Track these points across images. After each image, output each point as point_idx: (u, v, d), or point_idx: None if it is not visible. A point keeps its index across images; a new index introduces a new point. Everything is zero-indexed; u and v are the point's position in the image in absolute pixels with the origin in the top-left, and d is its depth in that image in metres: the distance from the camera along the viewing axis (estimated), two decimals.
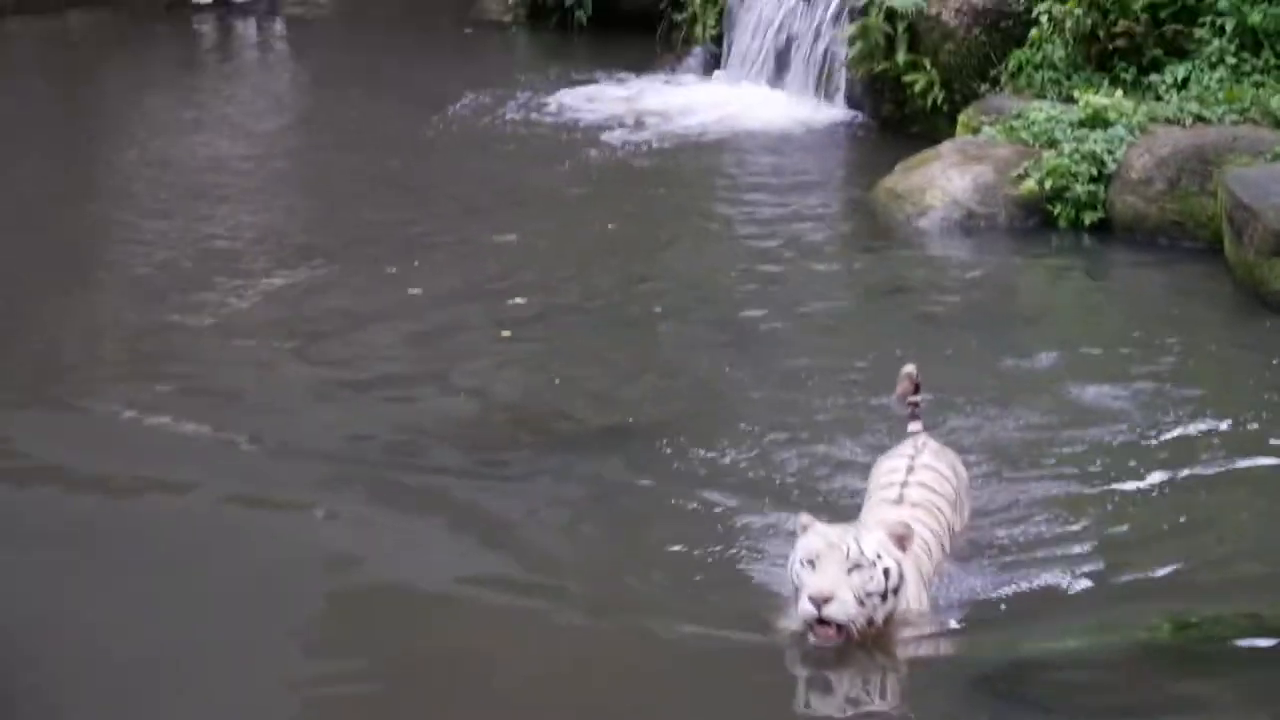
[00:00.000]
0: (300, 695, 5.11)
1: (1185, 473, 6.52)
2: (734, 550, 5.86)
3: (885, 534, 4.96)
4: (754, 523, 6.05)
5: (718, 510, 6.20)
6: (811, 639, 4.86)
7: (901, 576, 4.92)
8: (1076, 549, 5.86)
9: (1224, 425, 6.95)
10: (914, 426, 6.08)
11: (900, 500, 5.52)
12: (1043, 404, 7.19)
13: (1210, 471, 6.54)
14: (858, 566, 4.82)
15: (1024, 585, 5.59)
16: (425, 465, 6.67)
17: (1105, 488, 6.38)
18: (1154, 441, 6.81)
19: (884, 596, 4.86)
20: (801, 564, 4.87)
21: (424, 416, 7.15)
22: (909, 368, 6.11)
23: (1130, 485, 6.40)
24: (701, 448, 6.74)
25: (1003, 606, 5.46)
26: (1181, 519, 6.16)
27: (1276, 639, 5.20)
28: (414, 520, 6.22)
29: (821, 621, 4.78)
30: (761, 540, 5.89)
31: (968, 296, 8.93)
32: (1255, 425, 6.96)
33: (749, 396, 7.37)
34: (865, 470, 6.19)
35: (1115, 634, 5.29)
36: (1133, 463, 6.60)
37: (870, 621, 4.88)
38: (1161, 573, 5.77)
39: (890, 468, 5.77)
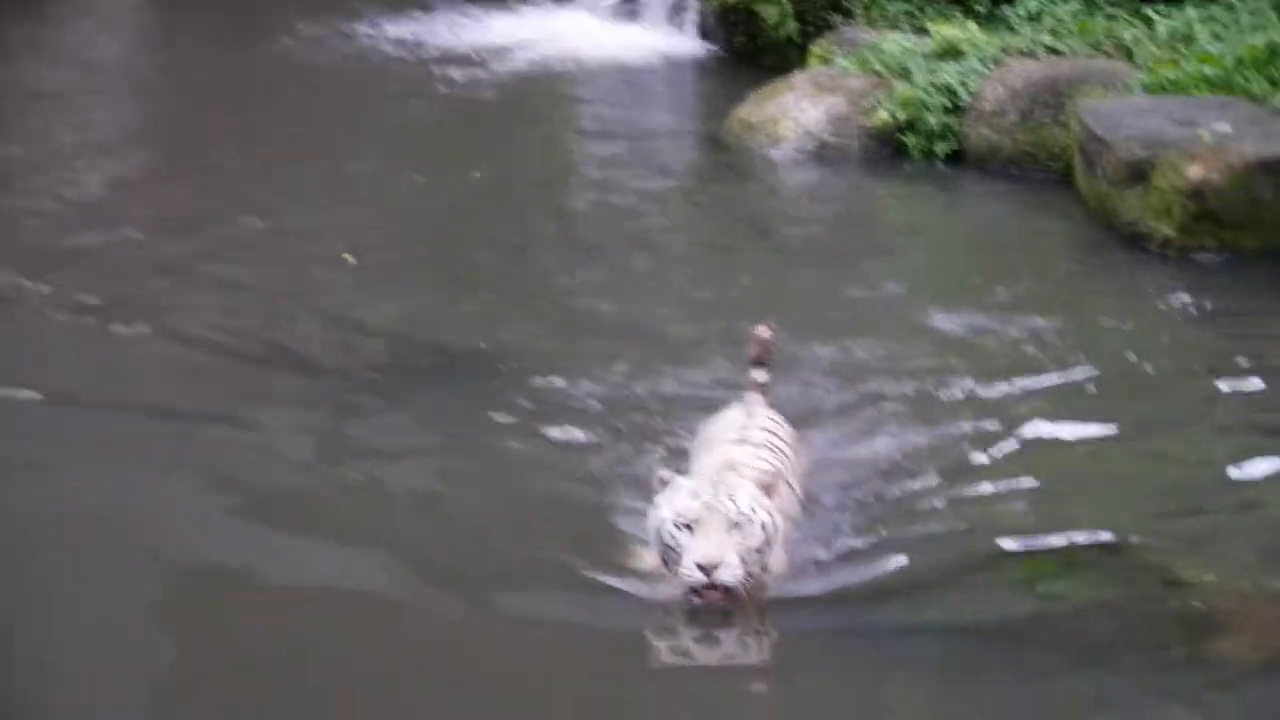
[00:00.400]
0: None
1: (1039, 408, 6.36)
2: (579, 497, 5.56)
3: (754, 486, 4.74)
4: (599, 466, 5.78)
5: (560, 452, 5.90)
6: (695, 602, 4.64)
7: (776, 527, 4.74)
8: (932, 499, 5.65)
9: (1077, 358, 6.83)
10: (760, 376, 5.84)
11: (742, 440, 5.30)
12: (893, 334, 7.04)
13: (1066, 408, 6.40)
14: (737, 525, 4.62)
15: (883, 534, 5.36)
16: (232, 411, 6.18)
17: (959, 426, 6.20)
18: (1006, 377, 6.64)
19: (760, 550, 4.68)
20: (676, 526, 4.63)
21: (251, 349, 6.80)
22: (762, 331, 5.84)
23: (985, 424, 6.20)
24: (542, 377, 6.46)
25: (865, 558, 5.19)
26: (1036, 458, 5.98)
27: (1136, 591, 5.09)
28: (214, 474, 5.65)
29: (710, 586, 4.59)
30: (608, 486, 5.60)
31: (820, 226, 8.77)
32: (1108, 356, 6.85)
33: (595, 327, 7.13)
34: (714, 405, 5.96)
35: (974, 590, 5.10)
36: (986, 396, 6.46)
37: (750, 576, 4.69)
38: (1015, 517, 5.56)
39: (726, 418, 5.56)
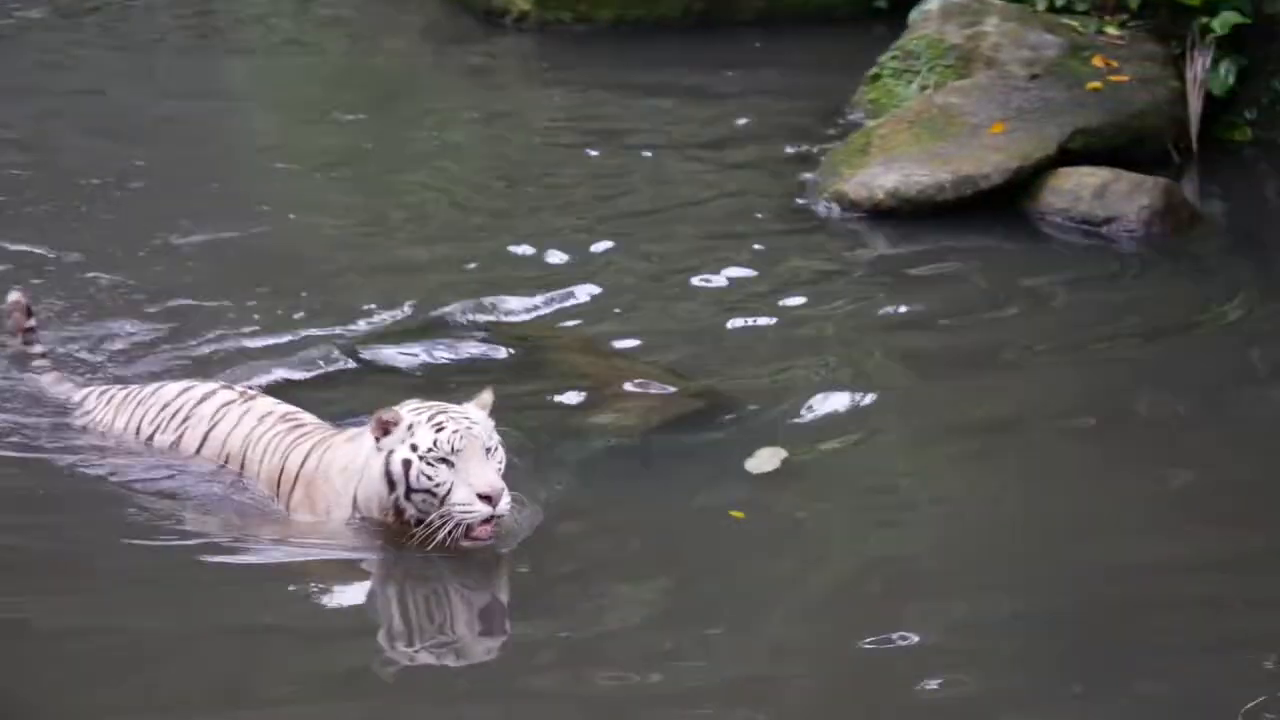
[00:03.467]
0: None
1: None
2: None
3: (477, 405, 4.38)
4: None
5: None
6: (464, 545, 4.20)
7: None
8: None
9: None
10: (39, 349, 5.28)
11: (247, 396, 4.82)
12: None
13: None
14: (489, 450, 4.27)
15: None
16: None
17: None
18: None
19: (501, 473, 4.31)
20: (431, 463, 4.22)
21: None
22: (15, 295, 5.33)
23: None
24: None
25: None
26: None
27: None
28: None
29: (485, 520, 4.18)
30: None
31: None
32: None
33: None
34: None
35: None
36: None
37: None
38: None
39: (215, 402, 4.79)
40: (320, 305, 5.92)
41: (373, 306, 5.91)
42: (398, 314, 5.88)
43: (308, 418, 4.67)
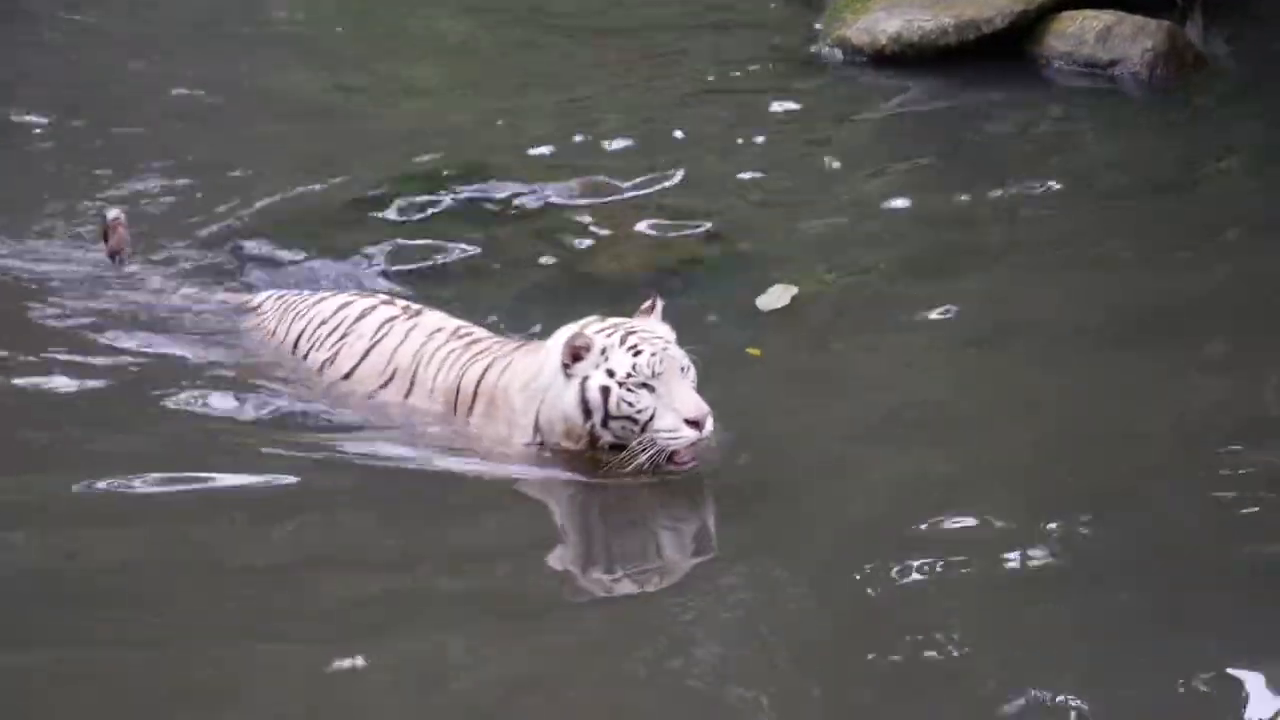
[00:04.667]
0: None
1: None
2: None
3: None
4: None
5: None
6: (669, 468, 3.96)
7: None
8: None
9: None
10: (132, 267, 5.14)
11: (414, 310, 4.60)
12: None
13: None
14: (684, 369, 4.02)
15: None
16: None
17: None
18: None
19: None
20: (632, 388, 3.97)
21: None
22: (114, 212, 5.21)
23: None
24: None
25: None
26: None
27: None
28: None
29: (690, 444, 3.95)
30: None
31: None
32: None
33: None
34: None
35: None
36: None
37: None
38: None
39: (379, 318, 4.56)
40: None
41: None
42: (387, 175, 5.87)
43: (481, 332, 4.43)
